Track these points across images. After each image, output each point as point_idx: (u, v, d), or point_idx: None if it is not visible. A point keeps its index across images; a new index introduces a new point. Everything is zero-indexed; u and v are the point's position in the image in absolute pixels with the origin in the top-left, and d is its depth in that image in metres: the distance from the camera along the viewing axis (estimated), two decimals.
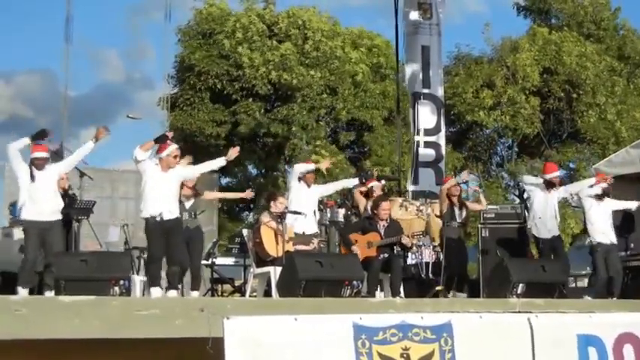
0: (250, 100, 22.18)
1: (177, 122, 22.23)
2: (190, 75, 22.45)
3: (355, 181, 11.03)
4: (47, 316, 6.22)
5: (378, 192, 10.72)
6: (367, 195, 10.79)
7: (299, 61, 22.06)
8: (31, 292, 8.20)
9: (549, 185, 10.61)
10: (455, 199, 10.72)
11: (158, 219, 8.42)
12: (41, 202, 8.40)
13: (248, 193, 10.74)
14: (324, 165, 10.96)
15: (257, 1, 23.72)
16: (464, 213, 10.75)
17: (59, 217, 8.58)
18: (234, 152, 9.07)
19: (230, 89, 22.19)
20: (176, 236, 8.58)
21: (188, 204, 9.45)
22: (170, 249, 8.61)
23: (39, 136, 8.47)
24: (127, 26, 50.66)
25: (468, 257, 11.42)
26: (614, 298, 10.13)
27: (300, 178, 10.12)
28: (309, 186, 10.09)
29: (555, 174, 10.84)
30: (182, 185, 9.19)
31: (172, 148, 8.63)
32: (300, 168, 10.25)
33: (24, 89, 50.28)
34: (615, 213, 10.80)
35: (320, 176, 11.60)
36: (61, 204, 8.62)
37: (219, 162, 9.07)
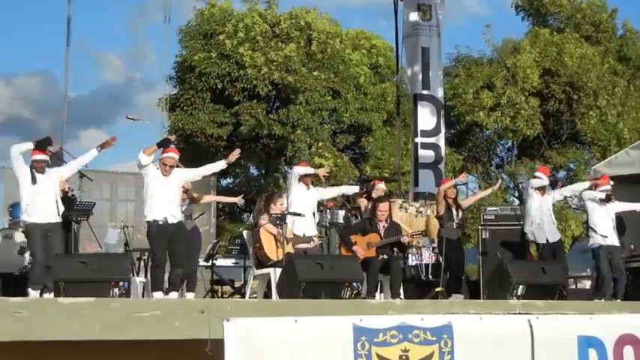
0: (254, 101, 22.15)
1: (178, 123, 22.21)
2: (191, 76, 22.41)
3: (355, 188, 11.06)
4: (47, 318, 6.21)
5: (380, 193, 10.72)
6: (369, 196, 10.77)
7: (302, 63, 22.03)
8: (42, 294, 8.15)
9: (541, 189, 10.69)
10: (451, 201, 10.67)
11: (162, 223, 8.44)
12: (43, 205, 8.40)
13: (240, 199, 10.97)
14: (322, 172, 10.89)
15: (259, 2, 23.70)
16: (460, 214, 10.72)
17: (59, 219, 8.58)
18: (234, 155, 9.09)
19: (231, 90, 22.15)
20: (179, 240, 8.61)
21: (183, 207, 9.47)
22: (173, 252, 8.62)
23: (43, 144, 8.46)
24: (128, 27, 50.73)
25: (468, 259, 11.39)
26: (618, 300, 10.15)
27: (299, 180, 10.11)
28: (308, 188, 10.09)
29: (539, 174, 10.89)
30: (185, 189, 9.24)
31: (170, 154, 8.63)
32: (299, 170, 10.22)
33: (24, 90, 50.32)
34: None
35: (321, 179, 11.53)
36: (61, 207, 8.61)
37: (220, 164, 9.14)
